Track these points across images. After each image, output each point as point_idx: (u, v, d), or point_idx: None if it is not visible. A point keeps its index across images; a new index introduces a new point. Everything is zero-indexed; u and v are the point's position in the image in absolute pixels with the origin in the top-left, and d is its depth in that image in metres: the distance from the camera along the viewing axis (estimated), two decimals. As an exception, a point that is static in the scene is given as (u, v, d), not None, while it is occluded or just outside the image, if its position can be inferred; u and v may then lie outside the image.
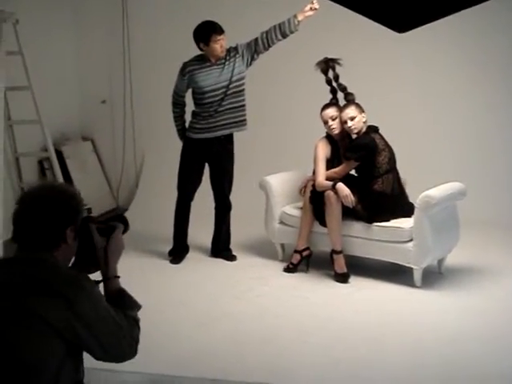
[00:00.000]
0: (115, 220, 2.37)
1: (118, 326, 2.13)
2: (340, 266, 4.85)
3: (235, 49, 5.10)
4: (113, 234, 2.29)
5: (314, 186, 4.96)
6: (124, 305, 2.24)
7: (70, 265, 2.24)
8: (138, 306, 2.30)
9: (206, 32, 4.97)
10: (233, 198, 5.39)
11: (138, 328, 2.25)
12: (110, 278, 2.27)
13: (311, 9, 4.96)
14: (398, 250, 4.72)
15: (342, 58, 5.05)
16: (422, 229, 4.62)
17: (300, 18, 4.97)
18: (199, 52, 5.11)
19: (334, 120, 4.96)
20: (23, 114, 6.07)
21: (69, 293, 2.03)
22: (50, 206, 2.12)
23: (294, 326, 4.12)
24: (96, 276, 2.28)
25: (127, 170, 7.36)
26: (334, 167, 4.98)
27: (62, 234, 2.13)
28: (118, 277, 2.30)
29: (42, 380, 2.00)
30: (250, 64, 5.14)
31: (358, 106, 4.90)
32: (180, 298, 4.61)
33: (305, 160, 5.32)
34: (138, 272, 5.06)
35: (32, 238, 2.12)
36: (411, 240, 4.68)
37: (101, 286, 2.26)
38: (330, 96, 5.10)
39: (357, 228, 4.87)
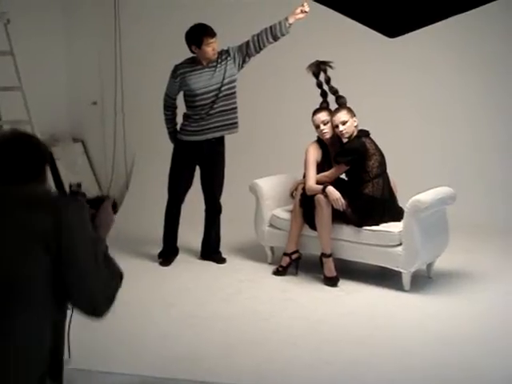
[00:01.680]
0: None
1: (95, 261, 2.09)
2: (329, 269, 4.86)
3: (227, 52, 5.11)
4: (102, 205, 2.28)
5: (304, 189, 4.97)
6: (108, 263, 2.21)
7: None
8: (120, 274, 2.28)
9: (199, 35, 4.98)
10: (223, 200, 5.39)
11: (118, 282, 2.23)
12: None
13: (302, 11, 4.97)
14: (387, 253, 4.73)
15: (334, 61, 5.06)
16: (411, 233, 4.64)
17: (291, 20, 4.97)
18: (191, 54, 5.11)
19: (325, 124, 4.97)
20: (13, 114, 6.04)
21: (59, 204, 2.03)
22: (28, 144, 2.13)
23: (282, 329, 4.12)
24: None
25: (117, 172, 7.35)
26: (325, 171, 4.99)
27: (43, 170, 2.14)
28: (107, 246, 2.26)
29: (30, 294, 1.96)
30: (242, 67, 5.15)
31: (349, 110, 4.91)
32: (169, 300, 4.60)
33: (295, 163, 5.33)
34: (128, 274, 4.98)
35: (15, 171, 2.09)
36: (400, 244, 4.69)
37: None
38: (321, 99, 5.12)
39: (346, 232, 4.88)
